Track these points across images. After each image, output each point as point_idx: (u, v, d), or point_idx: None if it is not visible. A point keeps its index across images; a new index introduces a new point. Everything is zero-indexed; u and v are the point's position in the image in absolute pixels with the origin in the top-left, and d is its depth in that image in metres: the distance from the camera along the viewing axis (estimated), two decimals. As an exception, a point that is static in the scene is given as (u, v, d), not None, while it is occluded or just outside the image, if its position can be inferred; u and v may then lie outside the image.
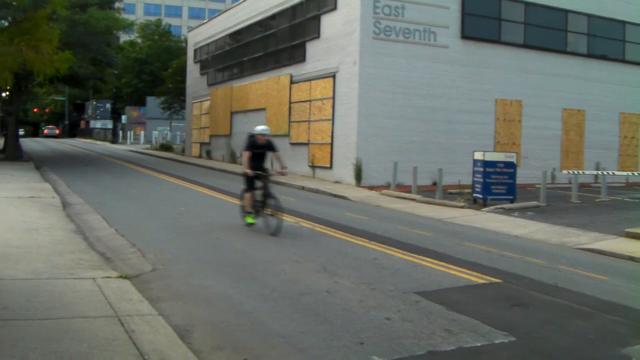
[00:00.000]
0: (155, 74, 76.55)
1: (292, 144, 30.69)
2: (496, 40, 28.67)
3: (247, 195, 14.16)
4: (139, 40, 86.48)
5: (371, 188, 24.61)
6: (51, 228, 12.86)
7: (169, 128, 74.59)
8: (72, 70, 30.02)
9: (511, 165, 20.56)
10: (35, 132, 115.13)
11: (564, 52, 30.70)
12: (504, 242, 14.23)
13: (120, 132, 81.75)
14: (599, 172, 25.34)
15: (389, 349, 6.75)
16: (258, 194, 14.01)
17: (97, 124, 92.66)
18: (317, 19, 29.12)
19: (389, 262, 11.27)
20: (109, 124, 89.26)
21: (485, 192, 20.19)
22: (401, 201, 21.45)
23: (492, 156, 20.86)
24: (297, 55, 31.09)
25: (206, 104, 44.44)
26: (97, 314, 7.17)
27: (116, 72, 62.00)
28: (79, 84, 47.63)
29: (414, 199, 21.54)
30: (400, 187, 23.80)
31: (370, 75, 25.72)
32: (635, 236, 14.67)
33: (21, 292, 7.82)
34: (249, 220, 14.33)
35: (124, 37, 79.48)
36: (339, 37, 27.12)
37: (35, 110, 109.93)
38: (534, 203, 20.52)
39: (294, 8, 31.57)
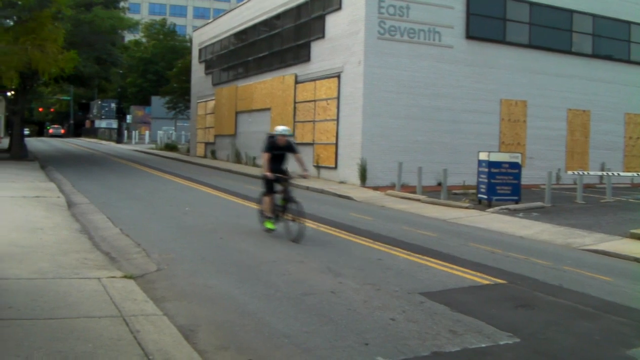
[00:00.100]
0: (160, 73, 76.57)
1: (296, 143, 30.61)
2: (501, 40, 28.63)
3: (267, 199, 13.46)
4: (143, 40, 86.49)
5: (376, 188, 24.59)
6: (56, 227, 12.88)
7: (173, 128, 74.64)
8: (77, 70, 30.08)
9: (516, 165, 20.51)
10: (40, 131, 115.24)
11: (569, 52, 30.64)
12: (509, 243, 14.21)
13: (125, 132, 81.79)
14: (604, 173, 25.29)
15: (394, 350, 6.75)
16: (278, 197, 13.36)
17: (102, 124, 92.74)
18: (322, 19, 29.11)
19: (394, 263, 11.27)
20: (114, 124, 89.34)
21: (490, 192, 20.15)
22: (406, 201, 21.43)
23: (497, 157, 20.82)
24: (302, 55, 31.09)
25: (211, 104, 44.46)
26: (102, 313, 7.18)
27: (121, 71, 62.03)
28: (84, 83, 47.62)
29: (418, 200, 21.52)
30: (405, 187, 23.78)
31: (375, 75, 25.71)
32: (640, 237, 14.64)
33: (26, 292, 7.84)
34: (269, 225, 13.64)
35: (128, 37, 79.68)
36: (344, 37, 27.11)
37: (40, 109, 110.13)
38: (539, 204, 20.48)
39: (298, 8, 31.57)
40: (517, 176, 20.49)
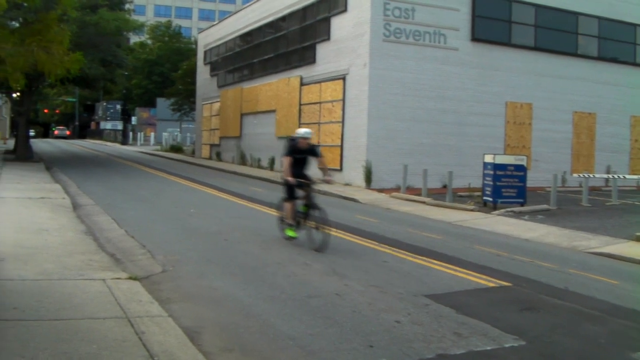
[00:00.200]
0: (165, 75, 76.65)
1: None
2: (506, 42, 28.60)
3: (288, 205, 12.83)
4: (149, 42, 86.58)
5: (381, 190, 24.57)
6: (61, 229, 12.89)
7: (179, 129, 74.69)
8: (82, 71, 30.08)
9: (521, 168, 20.47)
10: (45, 133, 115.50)
11: (574, 54, 30.59)
12: (514, 246, 14.18)
13: (131, 134, 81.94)
14: (610, 176, 25.24)
15: (399, 352, 6.74)
16: (299, 204, 12.75)
17: (107, 125, 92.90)
18: (327, 21, 29.12)
19: (399, 265, 11.25)
20: (119, 125, 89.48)
21: (496, 195, 20.11)
22: (411, 204, 21.42)
23: (502, 159, 20.78)
24: (307, 57, 31.10)
25: (216, 106, 44.50)
26: (107, 315, 7.18)
27: (126, 73, 62.13)
28: (89, 85, 47.70)
29: (424, 202, 21.51)
30: (410, 189, 23.76)
31: (380, 78, 25.70)
32: (646, 240, 14.60)
33: (31, 293, 7.85)
34: (290, 233, 13.00)
35: (134, 39, 79.71)
36: (349, 39, 27.11)
37: (45, 111, 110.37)
38: (545, 206, 20.45)
39: (304, 10, 31.58)
40: (523, 179, 20.45)
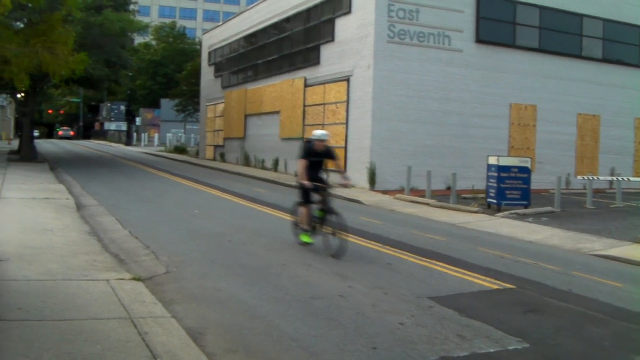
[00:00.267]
0: (169, 76, 76.84)
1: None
2: (511, 44, 28.57)
3: (303, 210, 12.40)
4: (153, 43, 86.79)
5: (385, 192, 24.56)
6: (65, 229, 12.91)
7: (183, 130, 74.80)
8: (86, 72, 30.16)
9: (525, 170, 20.45)
10: (49, 133, 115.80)
11: (579, 56, 30.53)
12: (518, 248, 14.16)
13: (135, 134, 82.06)
14: (614, 178, 25.19)
15: (402, 354, 6.73)
16: (314, 208, 12.38)
17: (111, 126, 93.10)
18: (331, 22, 29.12)
19: (403, 267, 11.25)
20: (123, 126, 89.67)
21: (500, 197, 20.09)
22: (415, 205, 21.41)
23: (506, 161, 20.76)
24: (311, 58, 31.11)
25: (220, 107, 44.53)
26: (111, 315, 7.19)
27: (130, 74, 62.10)
28: (94, 85, 47.82)
29: (427, 204, 21.50)
30: (414, 191, 23.75)
31: (384, 79, 25.69)
32: (650, 243, 14.57)
33: (35, 293, 7.86)
34: (305, 239, 12.56)
35: (138, 39, 79.78)
36: (354, 41, 27.11)
37: (49, 111, 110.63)
38: (549, 208, 20.42)
39: (308, 11, 31.59)
40: (527, 181, 20.42)
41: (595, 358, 7.13)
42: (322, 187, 12.21)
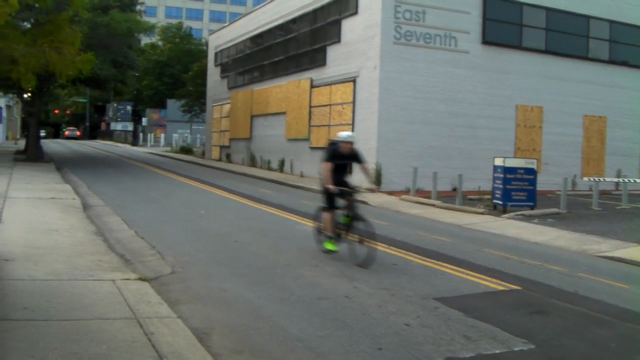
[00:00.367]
0: (176, 76, 77.00)
1: (311, 148, 30.71)
2: (517, 45, 28.52)
3: (328, 216, 11.72)
4: (160, 43, 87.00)
5: (391, 193, 24.54)
6: (71, 229, 12.93)
7: (189, 131, 74.89)
8: (93, 72, 30.21)
9: (531, 171, 20.41)
10: (56, 133, 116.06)
11: (585, 58, 30.47)
12: (524, 249, 14.14)
13: (141, 135, 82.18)
14: (620, 180, 25.12)
15: (408, 355, 6.73)
16: (339, 214, 11.74)
17: (117, 126, 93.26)
18: (338, 24, 29.13)
19: (409, 268, 11.24)
20: (130, 126, 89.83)
21: (505, 198, 20.07)
22: (421, 207, 21.39)
23: (512, 162, 20.73)
24: (317, 59, 31.12)
25: (226, 107, 44.56)
26: (117, 315, 7.20)
27: (137, 74, 62.30)
28: (100, 85, 47.92)
29: (433, 205, 21.47)
30: (420, 192, 23.74)
31: (390, 80, 25.68)
32: (657, 244, 14.53)
33: (41, 293, 7.87)
34: (329, 247, 11.85)
35: (145, 40, 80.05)
36: (360, 42, 27.10)
37: (56, 111, 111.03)
38: (555, 210, 20.38)
39: (315, 12, 31.60)
40: (533, 182, 20.39)
41: (601, 359, 7.12)
42: (348, 192, 11.62)
